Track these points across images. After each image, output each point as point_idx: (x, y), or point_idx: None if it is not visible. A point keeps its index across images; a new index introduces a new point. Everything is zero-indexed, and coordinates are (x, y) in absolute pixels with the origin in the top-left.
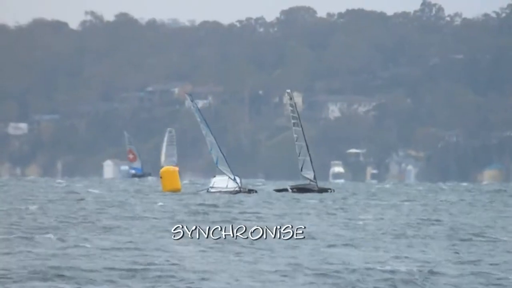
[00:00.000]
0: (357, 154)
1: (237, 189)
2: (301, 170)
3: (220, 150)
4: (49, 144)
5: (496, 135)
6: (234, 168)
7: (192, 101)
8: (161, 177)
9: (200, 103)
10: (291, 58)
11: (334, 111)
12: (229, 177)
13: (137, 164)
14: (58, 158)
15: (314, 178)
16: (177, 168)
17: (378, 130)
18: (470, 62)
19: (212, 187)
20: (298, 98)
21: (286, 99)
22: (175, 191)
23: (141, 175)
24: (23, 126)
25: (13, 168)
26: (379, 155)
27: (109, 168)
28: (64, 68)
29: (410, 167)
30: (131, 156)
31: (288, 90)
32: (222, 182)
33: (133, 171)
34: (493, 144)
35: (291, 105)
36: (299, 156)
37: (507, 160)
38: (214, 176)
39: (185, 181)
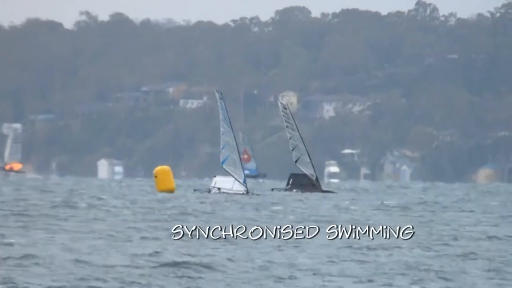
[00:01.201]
0: (351, 154)
1: (244, 192)
2: (296, 162)
3: (239, 153)
4: (44, 144)
5: (491, 135)
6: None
7: (221, 98)
8: (155, 177)
9: (195, 103)
10: (286, 58)
11: (329, 110)
12: (236, 179)
13: (252, 165)
14: (52, 158)
15: (317, 180)
16: (169, 168)
17: (372, 130)
18: (465, 62)
19: (214, 187)
20: (293, 98)
21: (280, 107)
22: (169, 191)
23: (255, 176)
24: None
25: None
26: (374, 155)
27: (103, 168)
28: (59, 68)
29: (404, 167)
30: (245, 156)
31: (282, 101)
32: (226, 183)
33: (247, 172)
34: (488, 143)
35: (285, 114)
36: (292, 150)
37: (502, 159)
38: (215, 176)
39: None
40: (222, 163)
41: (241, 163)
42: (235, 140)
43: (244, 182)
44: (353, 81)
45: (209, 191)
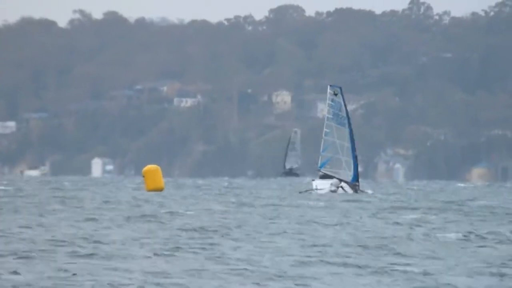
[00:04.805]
0: None
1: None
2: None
3: (353, 155)
4: (38, 143)
5: (484, 134)
6: (223, 166)
7: (335, 94)
8: (143, 176)
9: (189, 101)
10: (280, 57)
11: (323, 109)
12: (342, 180)
13: None
14: (46, 157)
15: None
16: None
17: (366, 129)
18: (459, 60)
19: (317, 189)
20: (287, 97)
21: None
22: (158, 190)
23: None
24: (11, 124)
25: (1, 166)
26: (368, 154)
27: (97, 166)
28: (53, 67)
29: (398, 165)
30: None
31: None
32: (326, 184)
33: None
34: (482, 142)
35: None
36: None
37: (496, 158)
38: (313, 180)
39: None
40: (320, 167)
41: (354, 162)
42: (351, 137)
43: (353, 181)
44: (347, 80)
45: (315, 191)
